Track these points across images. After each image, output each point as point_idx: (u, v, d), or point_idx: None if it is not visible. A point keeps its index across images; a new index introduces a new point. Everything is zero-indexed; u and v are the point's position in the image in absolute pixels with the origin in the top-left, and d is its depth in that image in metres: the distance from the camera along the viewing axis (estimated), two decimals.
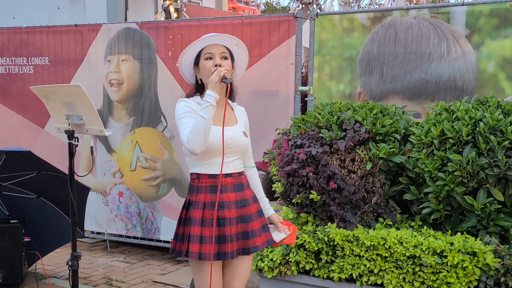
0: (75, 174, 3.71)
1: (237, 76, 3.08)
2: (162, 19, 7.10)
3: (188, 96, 2.97)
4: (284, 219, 3.22)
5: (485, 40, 4.37)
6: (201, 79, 2.93)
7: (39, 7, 9.72)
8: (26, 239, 4.83)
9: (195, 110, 2.82)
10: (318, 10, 5.08)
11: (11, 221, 4.82)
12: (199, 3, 11.34)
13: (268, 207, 3.13)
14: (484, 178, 3.40)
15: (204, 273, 2.83)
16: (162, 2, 7.37)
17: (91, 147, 4.09)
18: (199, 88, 2.96)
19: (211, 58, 2.86)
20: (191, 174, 2.91)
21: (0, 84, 6.42)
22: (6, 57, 6.36)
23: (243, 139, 2.93)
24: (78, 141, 3.70)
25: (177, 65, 3.05)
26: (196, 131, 2.70)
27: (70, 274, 3.70)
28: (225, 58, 2.89)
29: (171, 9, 7.10)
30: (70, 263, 3.68)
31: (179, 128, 2.85)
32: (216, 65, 2.83)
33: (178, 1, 7.19)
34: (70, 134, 3.64)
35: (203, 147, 2.74)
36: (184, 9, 7.25)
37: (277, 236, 3.10)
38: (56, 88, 3.84)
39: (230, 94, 2.95)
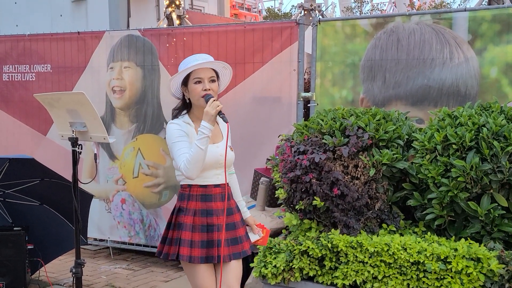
0: (78, 181, 3.72)
1: (220, 89, 3.23)
2: (165, 26, 7.12)
3: (176, 115, 3.16)
4: (259, 223, 3.45)
5: (487, 45, 4.37)
6: (189, 98, 3.13)
7: (41, 15, 9.76)
8: (29, 247, 4.83)
9: (186, 132, 3.05)
10: (320, 17, 5.08)
11: (14, 229, 4.82)
12: (201, 10, 11.37)
13: (245, 210, 3.37)
14: (488, 183, 3.40)
15: (197, 275, 3.06)
16: (164, 9, 7.38)
17: (95, 154, 4.10)
18: (186, 106, 3.17)
19: (200, 82, 3.05)
20: (182, 185, 3.14)
21: (3, 92, 6.44)
22: (9, 64, 6.38)
23: (230, 154, 3.15)
24: (81, 148, 3.70)
25: (169, 85, 3.19)
26: (194, 161, 2.92)
27: (74, 282, 3.70)
28: (213, 81, 3.09)
29: (174, 16, 7.11)
30: (74, 270, 3.68)
31: (172, 152, 3.05)
32: (205, 90, 3.03)
33: (180, 8, 7.20)
34: (74, 141, 3.65)
35: (199, 173, 2.98)
36: (187, 16, 7.26)
37: (252, 237, 3.36)
38: (60, 95, 3.85)
39: None
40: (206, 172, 3.05)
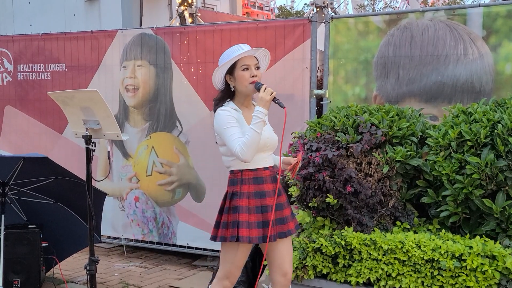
0: (92, 179, 3.74)
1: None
2: (177, 24, 7.14)
3: (218, 104, 3.26)
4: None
5: (502, 41, 4.33)
6: (234, 86, 3.24)
7: (55, 14, 9.82)
8: (44, 244, 4.87)
9: (236, 118, 3.17)
10: (333, 14, 5.06)
11: (29, 227, 4.86)
12: (213, 8, 11.38)
13: (276, 158, 3.40)
14: (503, 180, 3.37)
15: (239, 253, 3.21)
16: (177, 7, 7.40)
17: (108, 152, 4.11)
18: (230, 94, 3.27)
19: (247, 69, 3.19)
20: (233, 170, 3.23)
21: (18, 91, 6.49)
22: (23, 64, 6.43)
23: (275, 137, 3.31)
24: (95, 146, 3.72)
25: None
26: (251, 144, 3.06)
27: (88, 279, 3.72)
28: (258, 68, 3.24)
29: (186, 14, 7.12)
30: (88, 267, 3.70)
31: (225, 137, 3.15)
32: (252, 76, 3.17)
33: (192, 7, 7.22)
34: (88, 139, 3.67)
35: (254, 156, 3.11)
36: (199, 14, 7.27)
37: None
38: (74, 93, 3.87)
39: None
40: (256, 156, 3.15)
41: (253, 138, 3.05)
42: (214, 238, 3.24)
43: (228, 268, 3.25)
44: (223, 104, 3.23)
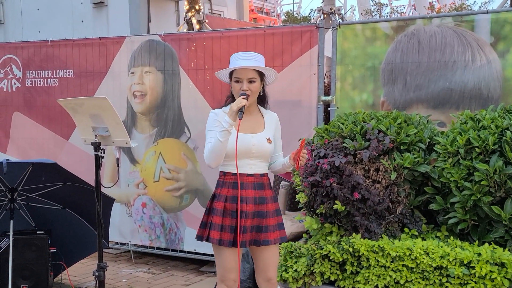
0: (100, 185, 3.75)
1: (268, 82, 3.38)
2: (185, 30, 7.16)
3: (224, 103, 3.34)
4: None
5: (510, 48, 4.32)
6: (231, 92, 3.31)
7: (63, 20, 9.88)
8: (52, 250, 4.88)
9: (222, 122, 3.16)
10: (340, 20, 5.07)
11: (37, 232, 4.88)
12: (220, 14, 11.41)
13: (285, 159, 3.37)
14: None
15: (224, 257, 3.24)
16: (184, 14, 7.43)
17: (117, 159, 4.13)
18: (231, 98, 3.33)
19: (239, 82, 3.23)
20: (220, 172, 3.31)
21: (26, 97, 6.52)
22: (32, 70, 6.47)
23: (265, 146, 3.26)
24: (104, 153, 3.73)
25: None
26: (213, 151, 3.15)
27: (97, 285, 3.73)
28: (253, 81, 3.22)
29: (194, 20, 7.14)
30: (96, 273, 3.71)
31: (206, 139, 3.25)
32: (242, 89, 3.18)
33: (200, 13, 7.24)
34: (97, 146, 3.68)
35: (219, 163, 3.20)
36: (206, 21, 7.29)
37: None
38: (83, 100, 3.89)
39: (262, 101, 3.39)
40: (239, 161, 3.19)
41: (215, 146, 3.12)
42: (197, 236, 3.33)
43: (220, 272, 3.29)
44: (222, 106, 3.31)
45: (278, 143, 3.43)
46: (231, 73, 3.27)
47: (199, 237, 3.31)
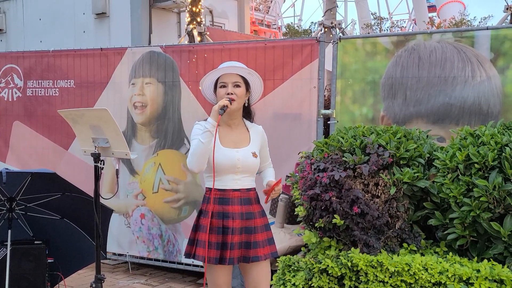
0: (99, 196, 3.74)
1: (253, 99, 3.40)
2: (186, 42, 7.18)
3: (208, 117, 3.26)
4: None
5: (510, 64, 4.34)
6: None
7: (65, 31, 9.93)
8: (49, 260, 4.86)
9: (205, 125, 3.15)
10: (341, 34, 5.09)
11: (35, 242, 4.85)
12: (222, 27, 11.46)
13: (270, 175, 3.43)
14: (511, 204, 3.35)
15: (214, 274, 3.21)
16: (186, 26, 7.46)
17: (117, 170, 4.12)
18: None
19: (224, 87, 3.23)
20: (206, 187, 3.28)
21: (27, 107, 6.53)
22: (33, 79, 6.48)
23: (251, 160, 3.24)
24: (103, 164, 3.73)
25: (200, 88, 3.42)
26: (195, 153, 3.11)
27: None
28: (238, 86, 3.23)
29: (195, 32, 7.17)
30: (94, 285, 3.69)
31: (190, 149, 3.22)
32: (228, 93, 3.18)
33: (201, 25, 7.27)
34: (96, 157, 3.68)
35: (201, 167, 3.15)
36: (208, 33, 7.31)
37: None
38: (84, 111, 3.89)
39: (248, 115, 3.38)
40: (223, 176, 3.18)
41: (197, 147, 3.09)
42: (185, 254, 3.29)
43: None
44: (207, 118, 3.26)
45: (264, 153, 3.42)
46: (215, 85, 3.28)
47: (187, 254, 3.28)
